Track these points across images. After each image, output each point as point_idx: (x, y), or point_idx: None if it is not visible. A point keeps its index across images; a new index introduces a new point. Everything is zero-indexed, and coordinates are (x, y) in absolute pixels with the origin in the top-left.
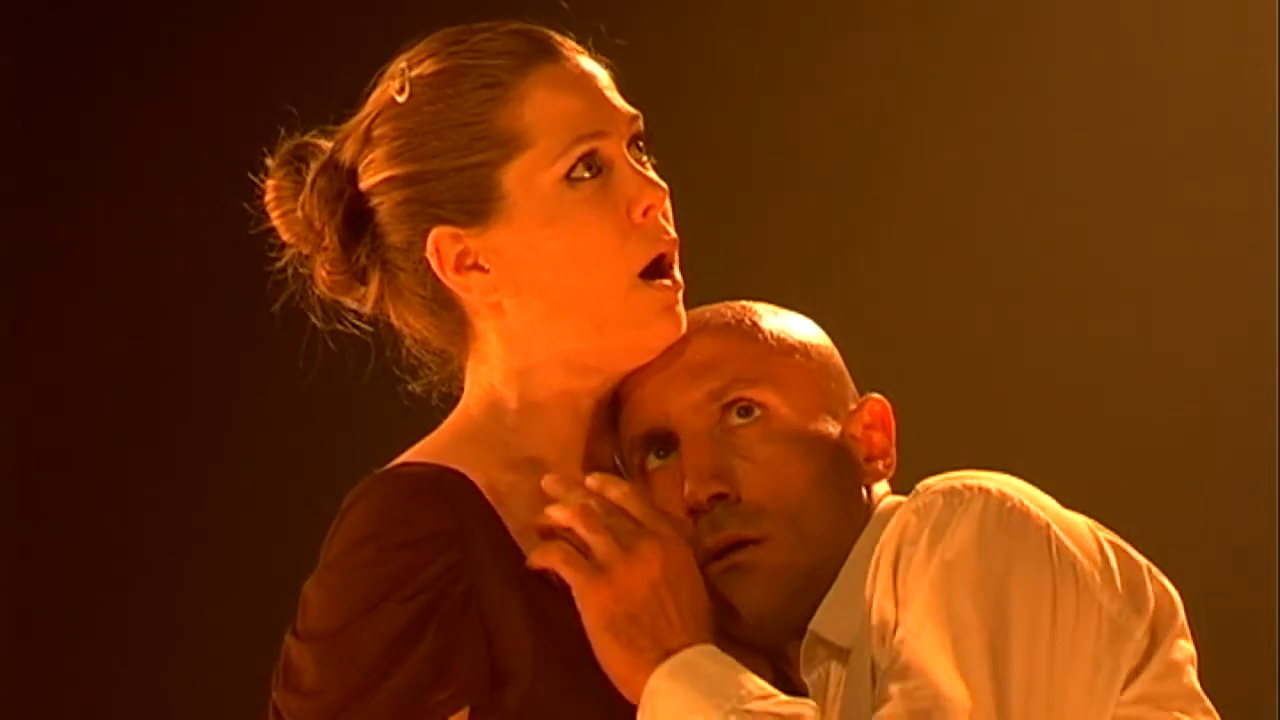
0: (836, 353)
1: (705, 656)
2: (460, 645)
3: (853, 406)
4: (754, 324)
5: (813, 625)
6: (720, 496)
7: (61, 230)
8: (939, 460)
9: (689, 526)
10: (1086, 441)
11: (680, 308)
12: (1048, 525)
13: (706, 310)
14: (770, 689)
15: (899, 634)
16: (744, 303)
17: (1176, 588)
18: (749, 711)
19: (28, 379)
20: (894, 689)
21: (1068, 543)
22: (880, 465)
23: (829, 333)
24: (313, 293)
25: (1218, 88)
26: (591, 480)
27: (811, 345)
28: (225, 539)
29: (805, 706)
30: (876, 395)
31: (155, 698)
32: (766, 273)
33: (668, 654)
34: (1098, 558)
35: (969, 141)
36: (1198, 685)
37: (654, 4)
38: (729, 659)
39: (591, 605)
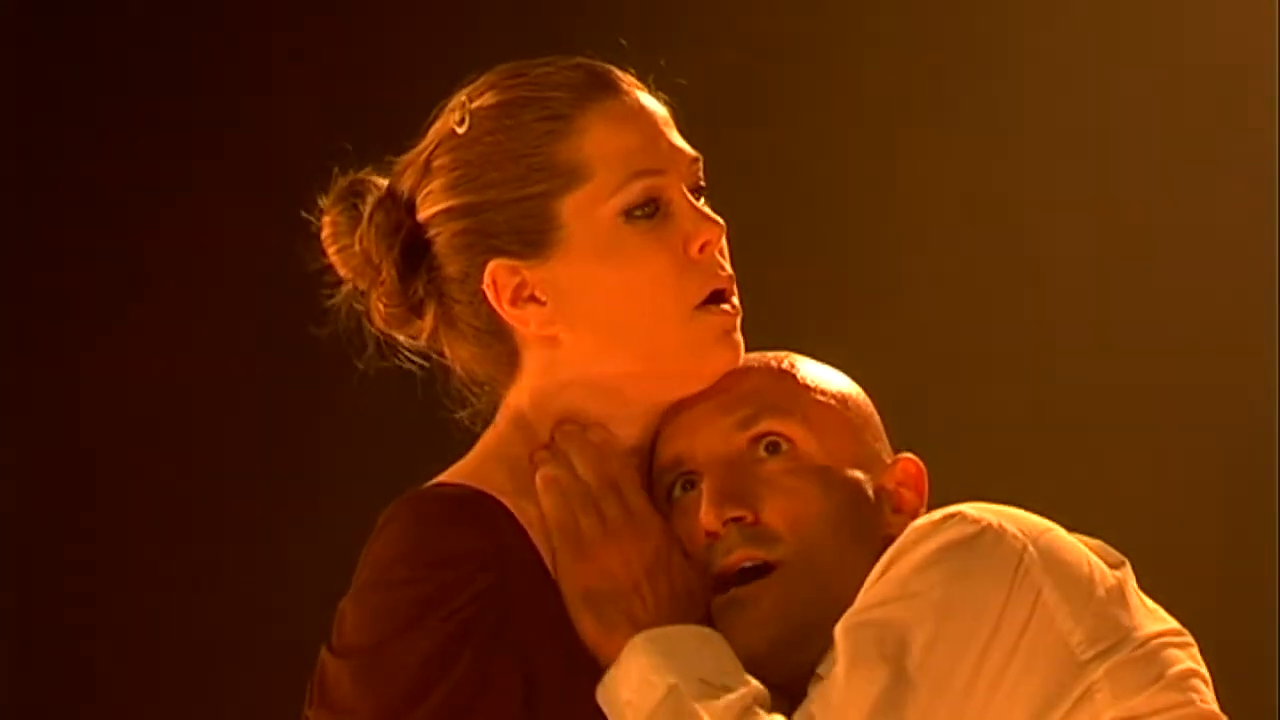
0: (876, 414)
1: (688, 632)
2: (495, 669)
3: (887, 462)
4: (792, 365)
5: (820, 669)
6: (737, 520)
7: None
8: (947, 471)
9: (704, 556)
10: (1089, 449)
11: (739, 335)
12: (1024, 549)
13: (749, 356)
14: (739, 670)
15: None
16: (788, 353)
17: (1176, 589)
18: (705, 681)
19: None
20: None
21: (1041, 573)
22: (908, 520)
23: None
24: (366, 324)
25: (1218, 90)
26: (593, 448)
27: (850, 397)
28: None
29: (755, 689)
30: (911, 455)
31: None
32: (798, 312)
33: (640, 631)
34: (1088, 600)
35: (966, 161)
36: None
37: (709, 40)
38: (713, 637)
39: (571, 576)
